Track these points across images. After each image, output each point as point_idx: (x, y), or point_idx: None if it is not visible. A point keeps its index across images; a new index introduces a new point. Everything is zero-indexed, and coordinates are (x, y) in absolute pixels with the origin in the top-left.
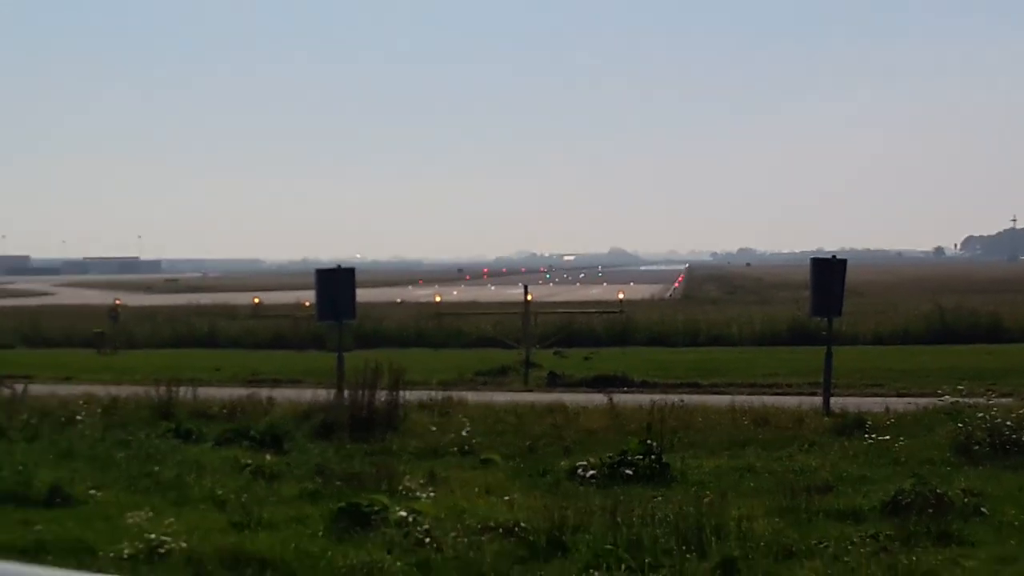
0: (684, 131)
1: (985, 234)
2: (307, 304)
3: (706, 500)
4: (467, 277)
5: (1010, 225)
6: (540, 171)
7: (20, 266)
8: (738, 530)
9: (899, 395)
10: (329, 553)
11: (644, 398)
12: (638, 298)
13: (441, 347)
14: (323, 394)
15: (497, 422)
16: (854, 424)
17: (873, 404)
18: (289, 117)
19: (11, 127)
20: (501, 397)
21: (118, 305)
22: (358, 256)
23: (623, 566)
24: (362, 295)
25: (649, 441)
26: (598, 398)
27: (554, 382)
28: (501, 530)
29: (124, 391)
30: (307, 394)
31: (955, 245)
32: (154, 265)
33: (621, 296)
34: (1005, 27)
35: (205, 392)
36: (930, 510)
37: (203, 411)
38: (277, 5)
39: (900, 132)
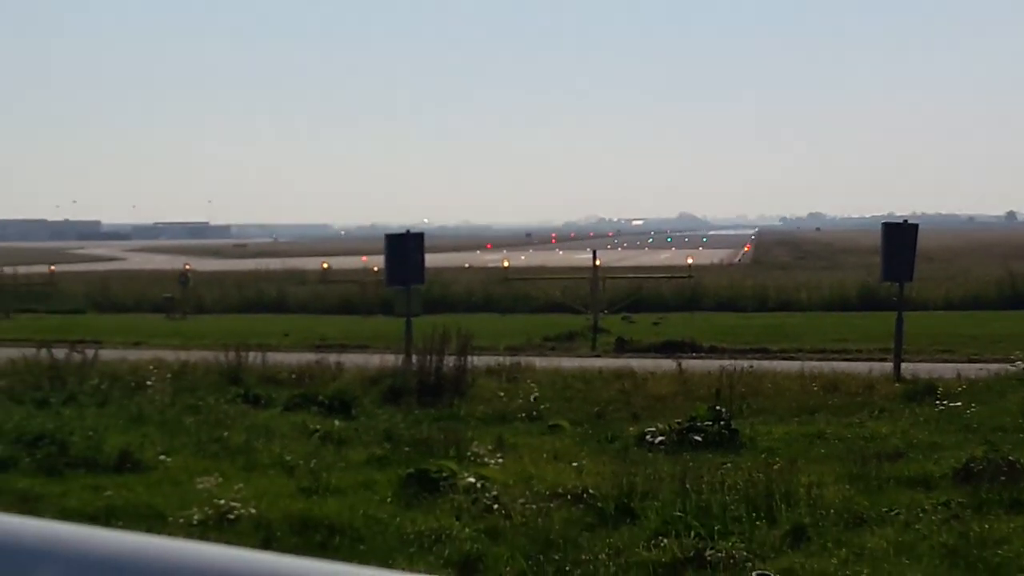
0: (754, 96)
1: None
2: (376, 269)
3: (776, 467)
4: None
5: None
6: (609, 136)
7: (91, 231)
8: (808, 497)
9: (970, 361)
10: (397, 519)
11: (713, 364)
12: (707, 263)
13: (509, 312)
14: (391, 359)
15: (565, 388)
16: (925, 390)
17: (944, 370)
18: (361, 83)
19: (83, 94)
20: (569, 363)
21: (188, 270)
22: (426, 221)
23: (692, 533)
24: (430, 260)
25: (718, 407)
26: (666, 364)
27: (622, 348)
28: (569, 496)
29: (193, 356)
30: (375, 359)
31: None
32: (223, 230)
33: (690, 261)
34: None
35: (273, 357)
36: (1002, 477)
37: (272, 376)
38: None
39: (973, 96)
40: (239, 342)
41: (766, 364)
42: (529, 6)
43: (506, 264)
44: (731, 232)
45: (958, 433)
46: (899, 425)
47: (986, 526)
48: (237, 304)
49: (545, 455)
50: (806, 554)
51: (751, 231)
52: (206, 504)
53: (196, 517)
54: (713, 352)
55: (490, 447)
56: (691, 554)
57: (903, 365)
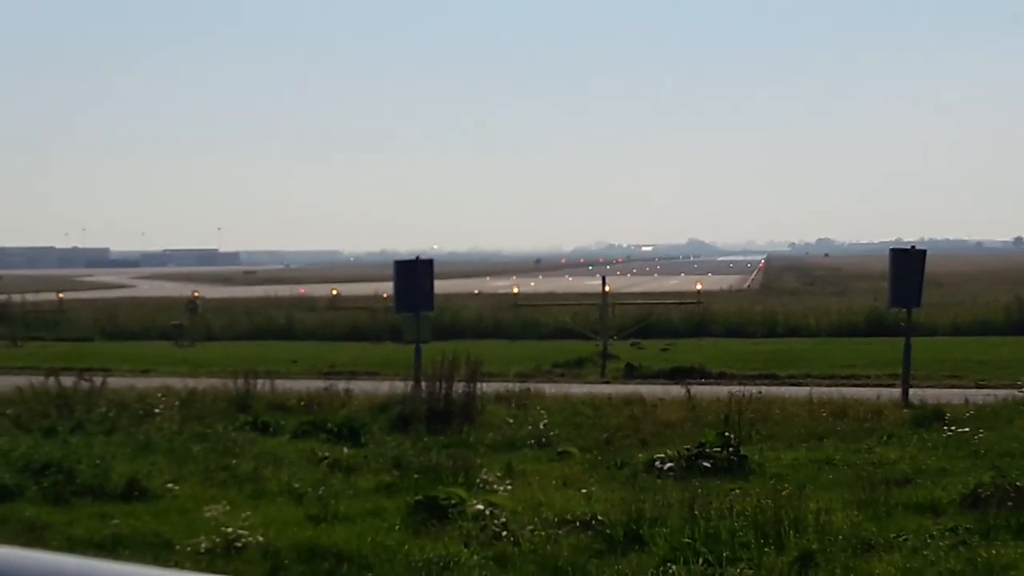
0: (762, 122)
1: None
2: (386, 296)
3: (784, 493)
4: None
5: None
6: (618, 162)
7: (100, 259)
8: (816, 523)
9: (978, 386)
10: (406, 546)
11: (722, 390)
12: (716, 289)
13: (518, 338)
14: (400, 386)
15: (574, 414)
16: (933, 416)
17: (952, 396)
18: (371, 109)
19: (92, 121)
20: (578, 389)
21: (196, 297)
22: (435, 247)
23: (700, 560)
24: (440, 286)
25: (727, 433)
26: (675, 390)
27: (631, 374)
28: (578, 523)
29: (202, 383)
30: (384, 386)
31: None
32: (233, 257)
33: (699, 287)
34: None
35: (282, 384)
36: (1009, 503)
37: (280, 403)
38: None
39: (980, 121)
40: (247, 369)
41: (775, 390)
42: (538, 33)
43: (516, 290)
44: (740, 258)
45: (966, 459)
46: (907, 451)
47: (993, 552)
48: (246, 331)
49: (554, 482)
50: None
51: (760, 257)
52: (214, 532)
53: (204, 545)
54: (722, 378)
55: (499, 474)
56: None
57: (911, 391)
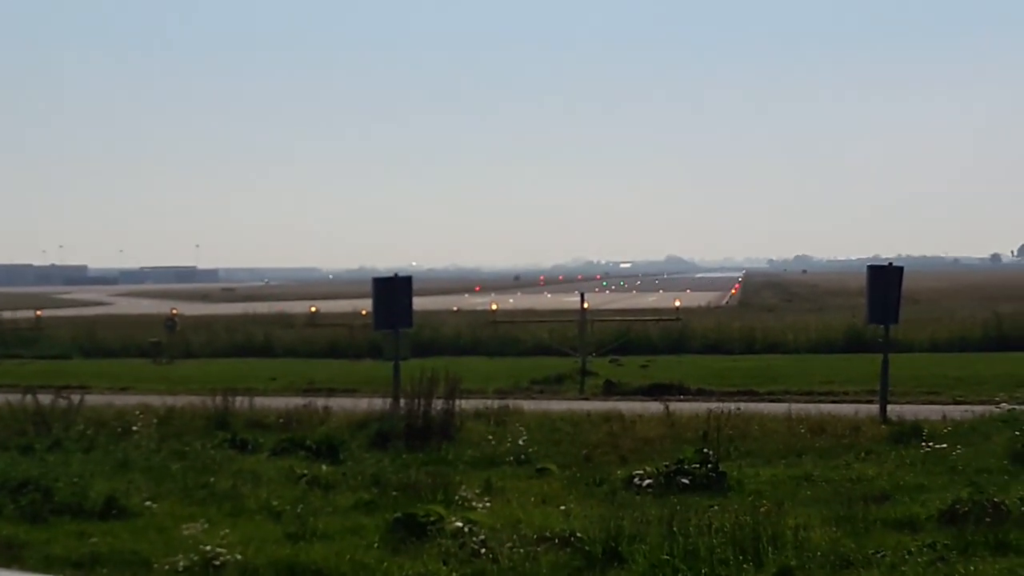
0: (740, 139)
1: None
2: (365, 313)
3: (763, 509)
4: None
5: None
6: (597, 179)
7: (77, 276)
8: (795, 539)
9: (956, 403)
10: (384, 564)
11: (701, 406)
12: (695, 305)
13: (497, 355)
14: (379, 403)
15: (553, 431)
16: (911, 432)
17: (930, 412)
18: (349, 128)
19: (70, 137)
20: (557, 406)
21: (175, 314)
22: (414, 264)
23: None
24: (418, 303)
25: (706, 450)
26: (654, 406)
27: (610, 390)
28: (557, 540)
29: (180, 401)
30: (363, 403)
31: (1012, 251)
32: (211, 274)
33: (678, 304)
34: None
35: (261, 402)
36: (987, 519)
37: (259, 421)
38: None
39: (956, 138)
40: (226, 387)
41: (753, 406)
42: (515, 50)
43: (494, 307)
44: (719, 275)
45: (944, 475)
46: (885, 467)
47: (971, 568)
48: (225, 348)
49: (533, 499)
50: None
51: (739, 273)
52: (192, 551)
53: (182, 564)
54: (701, 395)
55: (478, 491)
56: None
57: (889, 407)
